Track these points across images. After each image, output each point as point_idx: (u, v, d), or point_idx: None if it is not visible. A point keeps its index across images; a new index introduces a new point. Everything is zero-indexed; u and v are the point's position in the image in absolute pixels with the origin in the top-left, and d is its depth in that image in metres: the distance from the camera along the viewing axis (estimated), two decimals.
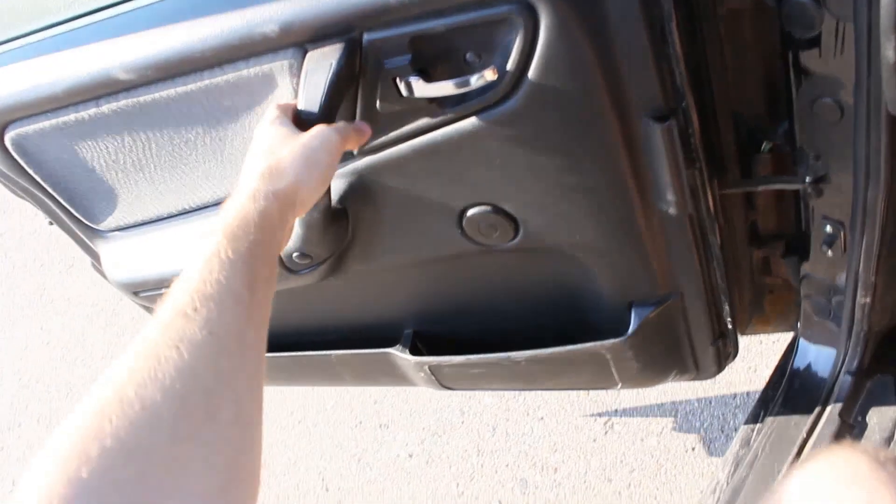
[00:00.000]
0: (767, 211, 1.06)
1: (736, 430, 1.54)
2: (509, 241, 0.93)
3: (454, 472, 1.78)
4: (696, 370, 1.10)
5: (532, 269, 1.01)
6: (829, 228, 0.93)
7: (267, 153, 0.73)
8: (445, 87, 0.77)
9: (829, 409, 1.08)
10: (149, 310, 1.21)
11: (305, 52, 0.79)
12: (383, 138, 0.85)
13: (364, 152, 0.87)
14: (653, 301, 0.97)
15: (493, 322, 1.11)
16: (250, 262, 0.62)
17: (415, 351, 1.13)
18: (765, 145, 0.93)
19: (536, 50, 0.74)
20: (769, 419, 1.14)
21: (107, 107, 0.90)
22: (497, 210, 0.90)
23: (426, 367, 1.15)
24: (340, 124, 0.77)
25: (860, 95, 0.75)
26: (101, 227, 1.06)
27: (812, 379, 1.13)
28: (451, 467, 1.79)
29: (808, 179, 0.89)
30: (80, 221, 1.07)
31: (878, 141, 0.77)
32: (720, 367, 1.10)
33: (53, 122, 0.92)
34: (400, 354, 1.14)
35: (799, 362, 1.14)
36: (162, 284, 1.03)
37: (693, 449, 1.64)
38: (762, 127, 0.93)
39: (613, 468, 1.66)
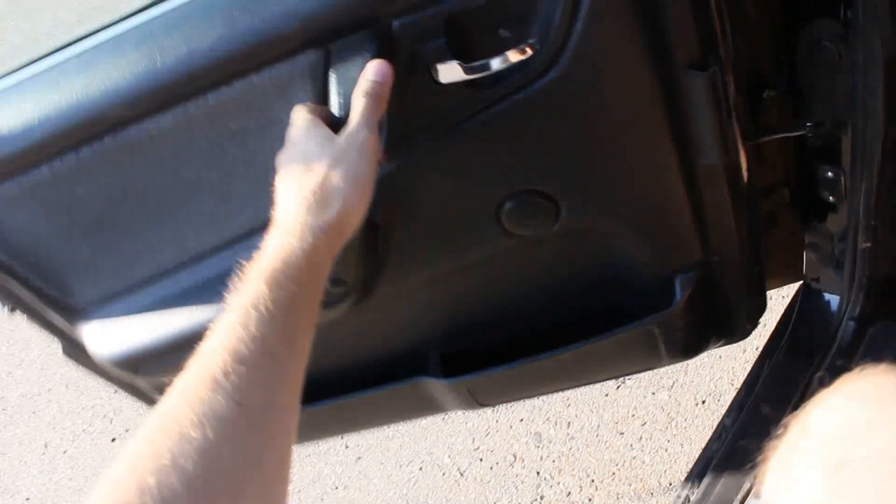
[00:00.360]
0: (771, 161, 1.08)
1: None
2: (551, 226, 0.87)
3: (470, 428, 1.82)
4: (735, 331, 1.08)
5: (568, 257, 0.96)
6: (829, 174, 0.95)
7: (307, 174, 0.65)
8: (487, 66, 0.72)
9: (831, 354, 1.11)
10: (151, 397, 1.05)
11: (328, 52, 0.72)
12: (415, 134, 0.78)
13: (394, 153, 0.78)
14: (694, 265, 0.95)
15: (526, 323, 1.04)
16: (291, 314, 0.57)
17: (449, 372, 1.03)
18: (767, 93, 0.95)
19: (581, 12, 0.71)
20: (774, 366, 1.17)
21: (89, 154, 0.78)
22: (536, 195, 0.85)
23: (464, 387, 1.05)
24: (371, 121, 0.68)
25: (856, 37, 0.77)
26: (84, 301, 0.90)
27: (815, 326, 1.15)
28: (466, 423, 1.83)
29: (808, 125, 0.91)
30: (56, 301, 0.90)
31: (876, 83, 0.79)
32: (754, 325, 1.09)
33: (21, 185, 0.79)
34: (433, 380, 1.03)
35: (802, 310, 1.16)
36: (171, 350, 0.87)
37: (703, 402, 1.67)
38: (764, 75, 0.95)
39: (625, 422, 1.70)
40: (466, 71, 0.72)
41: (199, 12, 0.73)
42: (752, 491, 0.61)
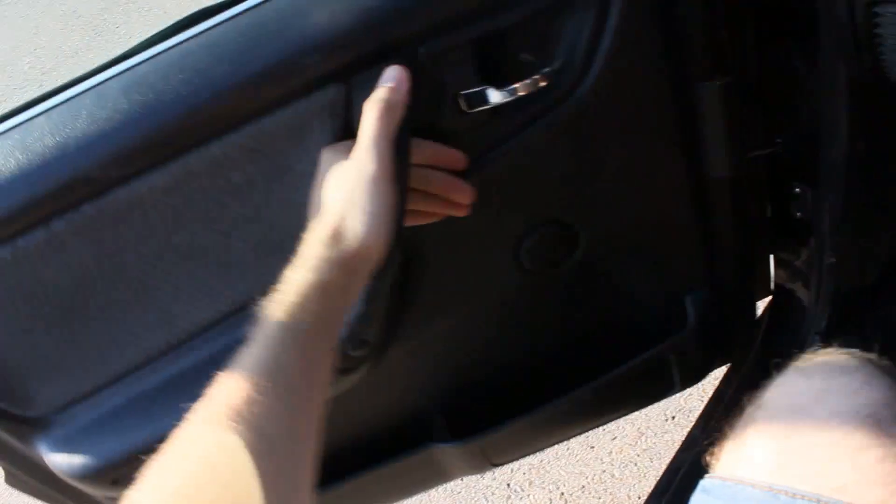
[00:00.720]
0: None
1: None
2: (569, 257, 0.84)
3: None
4: (734, 350, 1.07)
5: (581, 290, 0.92)
6: (797, 190, 0.97)
7: (324, 210, 0.62)
8: (515, 91, 0.68)
9: None
10: None
11: (349, 86, 0.65)
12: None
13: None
14: (704, 284, 0.93)
15: (537, 368, 0.97)
16: (308, 346, 0.56)
17: (459, 434, 0.93)
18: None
19: (606, 31, 0.69)
20: (741, 380, 1.19)
21: (62, 227, 0.64)
22: (555, 225, 0.82)
23: (477, 448, 0.96)
24: (380, 140, 0.63)
25: (820, 56, 0.80)
26: (44, 408, 0.75)
27: (783, 341, 1.17)
28: None
29: (778, 141, 0.94)
30: (5, 415, 0.74)
31: (839, 100, 0.82)
32: (750, 343, 1.09)
33: None
34: (442, 445, 0.93)
35: (770, 326, 1.19)
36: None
37: (673, 418, 1.69)
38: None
39: (595, 436, 1.71)
40: (495, 97, 0.68)
41: (200, 50, 0.64)
42: (709, 469, 0.63)
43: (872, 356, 0.60)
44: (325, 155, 0.66)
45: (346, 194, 0.62)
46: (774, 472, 0.55)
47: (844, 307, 1.09)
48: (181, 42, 0.65)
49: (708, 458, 0.66)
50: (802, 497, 0.51)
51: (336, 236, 0.60)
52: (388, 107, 0.63)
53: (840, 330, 1.15)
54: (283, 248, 0.61)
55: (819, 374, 0.59)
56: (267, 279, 0.59)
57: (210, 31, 0.65)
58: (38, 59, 3.29)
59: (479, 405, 0.95)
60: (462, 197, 0.72)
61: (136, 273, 0.70)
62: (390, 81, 0.64)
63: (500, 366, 0.94)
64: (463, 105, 0.69)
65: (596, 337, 0.97)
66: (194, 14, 0.66)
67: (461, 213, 0.73)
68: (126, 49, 0.66)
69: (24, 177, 0.62)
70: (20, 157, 0.62)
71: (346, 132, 0.66)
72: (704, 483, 0.61)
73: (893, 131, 0.86)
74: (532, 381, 0.97)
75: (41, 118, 0.64)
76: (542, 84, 0.70)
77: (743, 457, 0.59)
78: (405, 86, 0.64)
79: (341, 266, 0.60)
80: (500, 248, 0.82)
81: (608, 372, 0.95)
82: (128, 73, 0.64)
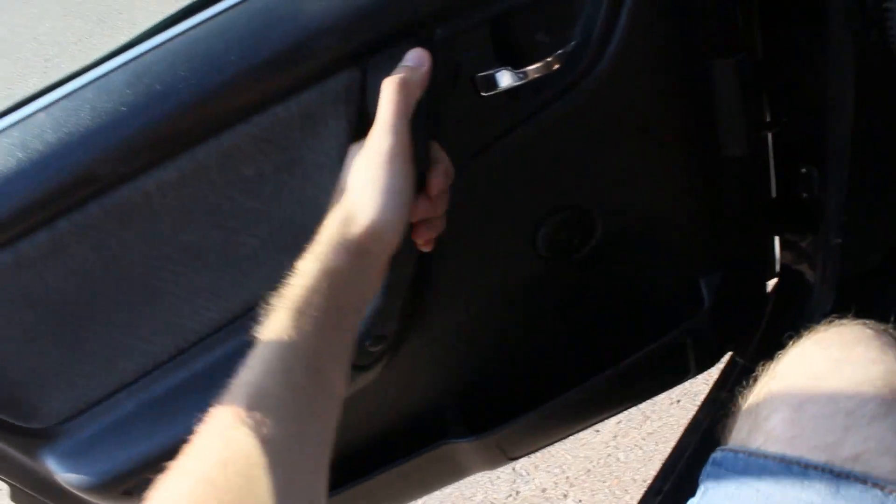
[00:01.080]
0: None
1: None
2: (587, 243, 0.83)
3: None
4: (746, 331, 1.06)
5: (597, 275, 0.90)
6: (803, 170, 0.97)
7: (340, 193, 0.60)
8: (536, 72, 0.67)
9: None
10: None
11: (364, 69, 0.63)
12: (454, 155, 0.68)
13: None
14: (718, 266, 0.92)
15: (553, 358, 0.96)
16: (315, 342, 0.54)
17: (476, 429, 0.91)
18: None
19: (624, 6, 0.68)
20: (746, 363, 1.18)
21: (66, 228, 0.61)
22: (572, 211, 0.81)
23: (493, 442, 0.94)
24: (398, 118, 0.61)
25: (829, 35, 0.79)
26: (50, 419, 0.72)
27: (786, 322, 1.17)
28: None
29: (784, 121, 0.93)
30: (9, 428, 0.71)
31: (845, 79, 0.81)
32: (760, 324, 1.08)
33: None
34: (457, 441, 0.91)
35: (775, 307, 1.18)
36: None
37: (678, 401, 1.69)
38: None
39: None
40: (514, 78, 0.66)
41: (208, 37, 0.61)
42: (721, 441, 0.63)
43: (888, 326, 0.59)
44: (353, 149, 0.64)
45: (361, 173, 0.60)
46: (787, 442, 0.54)
47: (850, 289, 1.09)
48: (188, 29, 0.62)
49: (720, 431, 0.65)
50: (815, 468, 0.51)
51: (348, 217, 0.58)
52: (407, 85, 0.61)
53: (846, 311, 1.15)
54: (297, 244, 0.59)
55: (835, 345, 0.59)
56: (279, 277, 0.57)
57: (218, 17, 0.62)
58: (40, 47, 3.27)
59: (494, 398, 0.93)
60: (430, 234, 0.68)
61: (143, 274, 0.67)
62: (410, 62, 0.62)
63: (514, 357, 0.92)
64: (480, 87, 0.67)
65: (612, 324, 0.95)
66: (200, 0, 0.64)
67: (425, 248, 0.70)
68: (130, 38, 0.63)
69: (26, 176, 0.59)
70: (21, 155, 0.59)
71: (361, 118, 0.64)
72: (716, 455, 0.60)
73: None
74: (548, 372, 0.95)
75: (41, 114, 0.61)
76: (556, 66, 0.68)
77: (756, 428, 0.58)
78: (426, 66, 0.62)
79: (350, 249, 0.57)
80: (516, 235, 0.80)
81: (625, 359, 0.93)
82: (132, 63, 0.61)
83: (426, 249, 0.69)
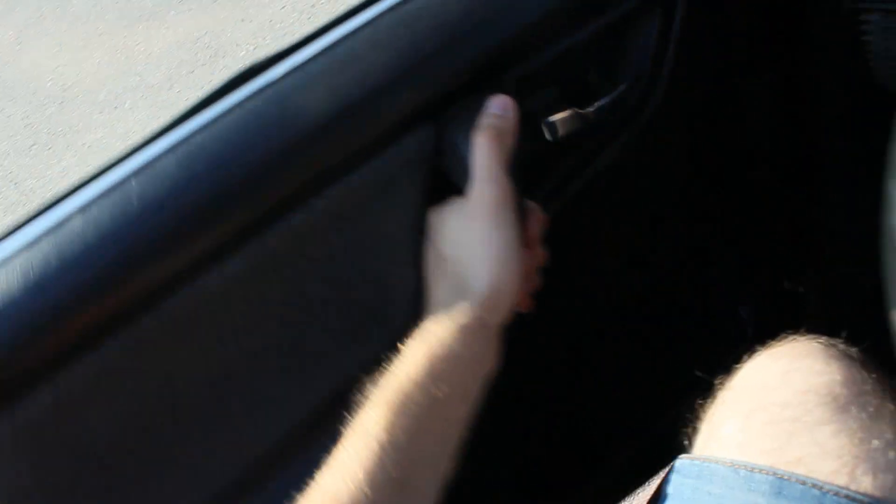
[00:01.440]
0: None
1: None
2: (640, 285, 0.80)
3: None
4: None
5: (652, 309, 0.86)
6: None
7: (449, 255, 0.55)
8: (602, 110, 0.63)
9: None
10: None
11: (438, 124, 0.58)
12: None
13: None
14: (755, 291, 0.92)
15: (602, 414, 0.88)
16: (417, 439, 0.48)
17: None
18: None
19: (671, 41, 0.67)
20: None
21: (115, 350, 0.49)
22: (630, 256, 0.79)
23: None
24: (495, 170, 0.56)
25: (815, 62, 0.82)
26: None
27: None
28: None
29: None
30: None
31: (836, 105, 0.84)
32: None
33: None
34: None
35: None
36: None
37: None
38: None
39: None
40: (579, 120, 0.62)
41: (266, 107, 0.53)
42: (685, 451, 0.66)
43: (837, 342, 0.62)
44: (433, 214, 0.59)
45: (465, 233, 0.54)
46: (738, 448, 0.57)
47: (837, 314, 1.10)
48: (243, 101, 0.54)
49: (685, 441, 0.68)
50: (760, 471, 0.53)
51: (457, 285, 0.53)
52: (500, 134, 0.57)
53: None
54: (370, 332, 0.53)
55: (786, 357, 0.61)
56: (351, 373, 0.51)
57: (268, 89, 0.54)
58: (59, 77, 3.25)
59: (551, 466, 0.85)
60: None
61: (201, 392, 0.56)
62: (496, 109, 0.58)
63: (571, 420, 0.84)
64: (550, 132, 0.63)
65: (658, 374, 0.89)
66: (244, 72, 0.56)
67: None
68: (174, 116, 0.55)
69: (67, 291, 0.47)
70: (54, 263, 0.47)
71: (436, 180, 0.58)
72: (676, 463, 0.63)
73: (885, 135, 0.87)
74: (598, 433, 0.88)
75: (77, 217, 0.49)
76: (612, 105, 0.65)
77: (712, 436, 0.61)
78: (513, 113, 0.58)
79: (463, 325, 0.51)
80: (582, 286, 0.76)
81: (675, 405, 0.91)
82: (180, 144, 0.52)
83: (525, 311, 0.61)
